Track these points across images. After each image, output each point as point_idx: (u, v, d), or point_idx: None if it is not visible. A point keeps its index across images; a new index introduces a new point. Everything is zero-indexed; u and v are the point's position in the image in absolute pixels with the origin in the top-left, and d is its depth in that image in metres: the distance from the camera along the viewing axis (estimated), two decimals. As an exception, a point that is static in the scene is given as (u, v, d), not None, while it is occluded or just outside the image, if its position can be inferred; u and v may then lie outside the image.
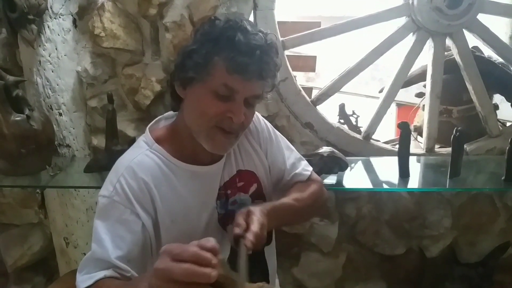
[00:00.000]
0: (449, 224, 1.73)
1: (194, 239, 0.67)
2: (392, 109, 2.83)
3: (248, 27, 0.86)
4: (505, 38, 2.18)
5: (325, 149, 1.42)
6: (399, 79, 1.62)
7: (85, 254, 1.86)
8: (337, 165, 1.41)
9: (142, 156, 0.92)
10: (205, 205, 0.97)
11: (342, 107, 1.77)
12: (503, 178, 1.39)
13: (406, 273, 1.81)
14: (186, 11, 1.52)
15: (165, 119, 1.04)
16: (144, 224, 0.88)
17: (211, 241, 0.64)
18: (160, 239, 0.91)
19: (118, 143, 1.52)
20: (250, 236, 0.80)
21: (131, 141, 1.50)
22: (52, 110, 1.60)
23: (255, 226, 0.82)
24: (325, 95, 1.64)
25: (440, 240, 1.76)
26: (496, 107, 1.81)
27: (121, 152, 1.55)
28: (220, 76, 0.85)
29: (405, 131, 1.38)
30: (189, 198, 0.94)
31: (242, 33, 0.84)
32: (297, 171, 1.10)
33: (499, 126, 1.69)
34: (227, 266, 0.67)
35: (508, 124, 1.77)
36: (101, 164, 1.51)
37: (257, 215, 0.86)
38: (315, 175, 1.15)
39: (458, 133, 1.35)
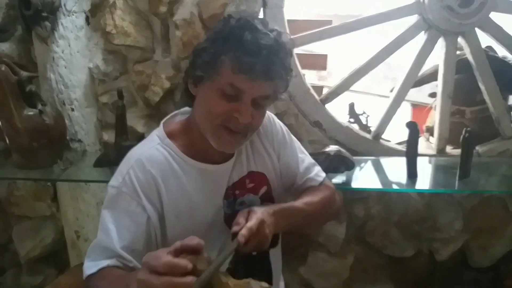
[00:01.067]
0: (460, 227, 1.70)
1: (198, 236, 0.71)
2: (407, 109, 2.79)
3: (259, 26, 0.86)
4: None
5: (331, 148, 1.41)
6: (410, 78, 1.60)
7: (95, 247, 1.89)
8: (344, 164, 1.40)
9: (153, 150, 0.94)
10: (211, 204, 0.98)
11: (351, 106, 1.75)
12: (514, 180, 1.36)
13: (415, 276, 1.78)
14: (195, 9, 1.53)
15: (181, 114, 1.06)
16: (150, 217, 0.90)
17: (195, 239, 0.68)
18: (166, 233, 0.93)
19: (127, 139, 1.55)
20: (243, 231, 0.82)
21: (140, 137, 1.52)
22: (65, 105, 1.64)
23: (251, 223, 0.84)
24: (334, 93, 1.63)
25: (451, 243, 1.72)
26: (511, 108, 1.77)
27: (130, 147, 1.58)
28: (227, 76, 0.85)
29: (413, 131, 1.36)
30: (195, 195, 0.95)
31: (250, 32, 0.84)
32: (310, 176, 1.10)
33: (513, 128, 1.65)
34: (212, 262, 0.69)
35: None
36: (110, 159, 1.54)
37: (258, 214, 0.87)
38: (328, 181, 1.15)
39: (467, 134, 1.33)
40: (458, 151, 1.64)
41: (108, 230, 0.88)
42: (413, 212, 1.70)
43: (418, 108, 2.59)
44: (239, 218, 0.88)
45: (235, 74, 0.84)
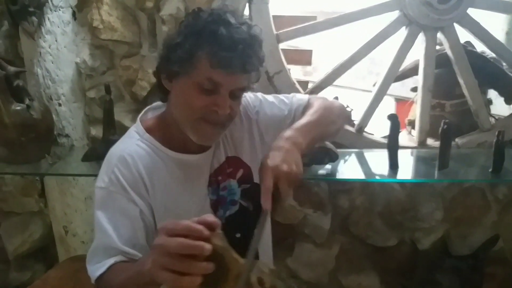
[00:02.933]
0: (440, 217, 1.76)
1: None
2: (391, 104, 2.85)
3: (231, 20, 0.87)
4: (502, 34, 2.20)
5: (316, 140, 1.45)
6: (392, 73, 1.64)
7: (83, 242, 1.91)
8: (327, 156, 1.44)
9: (134, 146, 0.96)
10: (196, 192, 1.00)
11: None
12: (490, 170, 1.41)
13: (398, 264, 1.84)
14: (182, 4, 1.55)
15: (152, 109, 1.08)
16: (142, 210, 0.92)
17: (211, 217, 0.68)
18: (156, 226, 0.95)
19: (115, 133, 1.56)
20: (262, 197, 0.79)
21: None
22: (52, 100, 1.65)
23: (263, 183, 0.80)
24: (319, 88, 1.67)
25: (432, 232, 1.78)
26: (490, 102, 1.83)
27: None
28: (204, 70, 0.87)
29: (394, 123, 1.41)
30: (180, 185, 0.97)
31: (224, 27, 0.85)
32: (295, 105, 1.09)
33: (491, 121, 1.71)
34: (225, 240, 0.69)
35: (500, 118, 1.78)
36: (98, 153, 1.55)
37: (267, 164, 0.81)
38: (314, 96, 1.13)
39: (445, 126, 1.38)
40: (438, 143, 1.70)
41: (106, 230, 0.89)
42: (395, 203, 1.75)
43: (402, 102, 2.65)
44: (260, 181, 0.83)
45: (213, 68, 0.86)
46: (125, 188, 0.91)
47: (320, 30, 1.61)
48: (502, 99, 1.85)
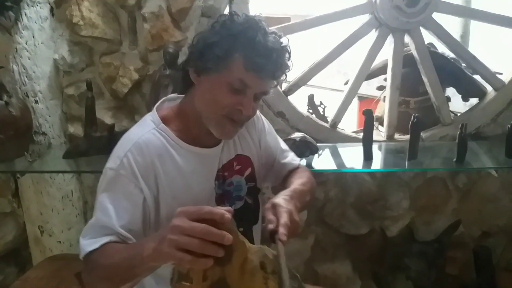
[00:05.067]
0: (407, 206, 1.89)
1: None
2: (354, 103, 2.99)
3: (266, 29, 0.95)
4: (456, 37, 2.40)
5: (297, 135, 1.54)
6: (363, 71, 1.75)
7: (60, 242, 1.88)
8: (308, 149, 1.52)
9: (149, 134, 0.99)
10: (204, 185, 1.04)
11: (311, 98, 1.89)
12: (454, 160, 1.55)
13: (369, 251, 1.95)
14: (164, 3, 1.58)
15: (168, 101, 1.10)
16: (146, 199, 0.95)
17: (226, 207, 0.73)
18: (159, 214, 0.98)
19: (97, 130, 1.57)
20: (282, 230, 0.83)
21: (111, 127, 1.55)
22: (28, 97, 1.62)
23: (283, 218, 0.85)
24: (296, 85, 1.75)
25: (399, 220, 1.91)
26: (448, 99, 1.99)
27: (100, 138, 1.60)
28: (237, 72, 0.93)
29: (368, 117, 1.52)
30: (190, 177, 1.01)
31: (261, 34, 0.92)
32: (287, 160, 1.21)
33: (451, 116, 1.86)
34: (235, 224, 0.74)
35: (458, 115, 1.95)
36: (80, 150, 1.55)
37: (283, 205, 0.89)
38: (303, 164, 1.26)
39: (415, 119, 1.50)
40: (404, 137, 1.83)
41: (107, 209, 0.91)
42: (366, 194, 1.87)
43: (366, 101, 2.79)
44: (269, 215, 0.89)
45: (246, 71, 0.92)
46: (135, 173, 0.94)
47: (297, 31, 1.70)
48: (458, 97, 2.02)
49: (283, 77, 1.02)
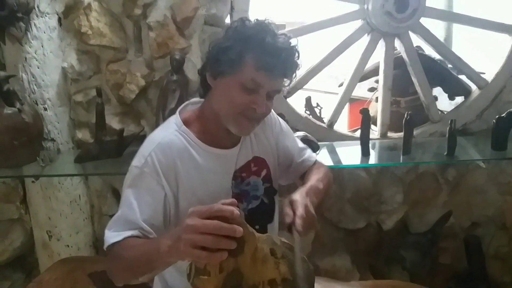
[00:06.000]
0: (401, 200, 1.99)
1: None
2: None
3: (276, 31, 1.02)
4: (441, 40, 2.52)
5: (298, 134, 1.63)
6: (357, 74, 1.86)
7: (68, 246, 1.92)
8: (310, 147, 1.60)
9: (172, 136, 1.06)
10: (221, 184, 1.11)
11: (308, 100, 2.00)
12: (445, 153, 1.66)
13: (366, 244, 2.05)
14: (169, 12, 1.65)
15: (191, 104, 1.18)
16: (167, 195, 1.02)
17: (229, 199, 0.80)
18: (179, 210, 1.05)
19: (106, 134, 1.62)
20: (298, 221, 0.90)
21: (120, 132, 1.61)
22: (37, 105, 1.67)
23: (299, 211, 0.92)
24: (294, 88, 1.84)
25: (394, 214, 2.01)
26: (435, 98, 2.11)
27: (110, 142, 1.66)
28: (249, 72, 0.99)
29: (365, 116, 1.62)
30: (209, 175, 1.08)
31: (270, 36, 0.99)
32: (305, 157, 1.29)
33: (439, 114, 1.98)
34: (243, 216, 0.80)
35: (445, 113, 2.07)
36: (92, 154, 1.61)
37: (300, 200, 0.96)
38: (319, 160, 1.34)
39: (408, 117, 1.61)
40: (397, 135, 1.94)
41: (132, 205, 0.98)
42: (362, 189, 1.96)
43: (356, 103, 2.89)
44: (286, 209, 0.96)
45: (257, 71, 0.99)
46: (157, 171, 1.01)
47: (295, 37, 1.77)
48: (444, 96, 2.15)
49: (294, 75, 1.09)
